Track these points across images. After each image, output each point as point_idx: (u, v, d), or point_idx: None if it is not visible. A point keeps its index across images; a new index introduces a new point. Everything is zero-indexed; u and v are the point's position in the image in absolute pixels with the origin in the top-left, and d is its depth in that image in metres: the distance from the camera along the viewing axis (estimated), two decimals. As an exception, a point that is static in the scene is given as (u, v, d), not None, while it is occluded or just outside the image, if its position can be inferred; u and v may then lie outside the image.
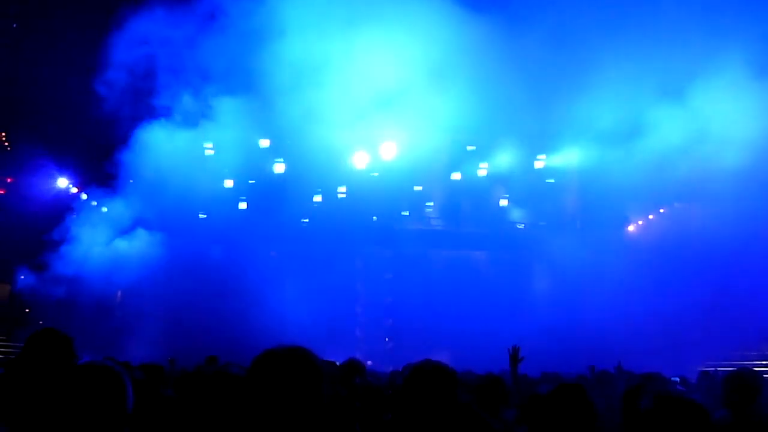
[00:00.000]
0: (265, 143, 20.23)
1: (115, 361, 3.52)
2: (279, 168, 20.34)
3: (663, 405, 2.61)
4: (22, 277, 20.62)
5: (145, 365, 6.32)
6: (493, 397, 4.92)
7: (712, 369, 9.11)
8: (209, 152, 20.14)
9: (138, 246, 18.64)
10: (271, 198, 19.69)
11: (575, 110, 17.90)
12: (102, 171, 19.79)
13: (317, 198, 20.20)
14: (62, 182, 20.05)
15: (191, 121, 19.26)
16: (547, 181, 20.95)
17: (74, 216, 19.35)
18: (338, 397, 4.63)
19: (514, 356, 6.18)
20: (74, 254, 18.39)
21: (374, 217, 19.95)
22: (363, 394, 5.15)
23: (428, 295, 18.27)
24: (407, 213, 20.94)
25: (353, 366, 5.65)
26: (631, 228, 21.20)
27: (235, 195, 20.28)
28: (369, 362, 14.51)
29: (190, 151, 19.63)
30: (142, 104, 18.82)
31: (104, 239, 18.92)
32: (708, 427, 2.55)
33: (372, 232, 19.70)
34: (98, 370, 2.24)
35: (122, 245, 18.76)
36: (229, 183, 20.23)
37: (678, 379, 7.70)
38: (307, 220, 20.15)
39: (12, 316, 19.38)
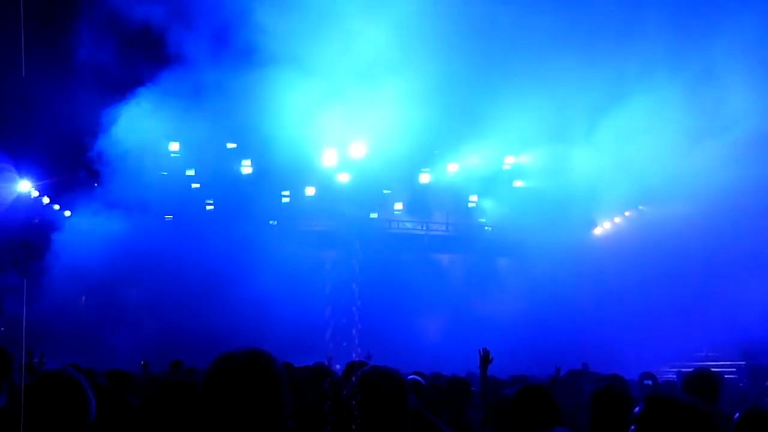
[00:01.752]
0: (231, 145, 20.09)
1: (78, 369, 3.45)
2: (246, 170, 20.21)
3: (660, 408, 2.61)
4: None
5: (111, 372, 6.23)
6: (460, 398, 4.96)
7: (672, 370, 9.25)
8: (175, 154, 19.95)
9: (104, 248, 18.32)
10: (239, 199, 19.57)
11: (541, 112, 18.09)
12: (66, 174, 19.49)
13: (285, 199, 20.13)
14: (24, 186, 19.61)
15: (157, 122, 19.01)
16: (515, 183, 21.13)
17: (36, 221, 18.99)
18: (306, 403, 4.60)
19: (485, 357, 6.22)
20: (38, 260, 18.05)
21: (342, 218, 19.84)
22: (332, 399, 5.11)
23: (396, 298, 18.27)
24: (375, 215, 20.92)
25: (320, 371, 5.62)
26: (597, 231, 21.47)
27: (201, 196, 20.12)
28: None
29: (156, 153, 19.45)
30: (107, 103, 18.57)
31: (69, 243, 18.57)
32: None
33: (340, 232, 19.61)
34: (55, 379, 2.19)
35: (87, 248, 18.41)
36: (195, 184, 20.06)
37: (650, 382, 7.81)
38: (275, 222, 20.03)
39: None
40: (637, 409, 2.67)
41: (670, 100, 17.10)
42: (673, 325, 16.53)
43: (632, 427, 2.63)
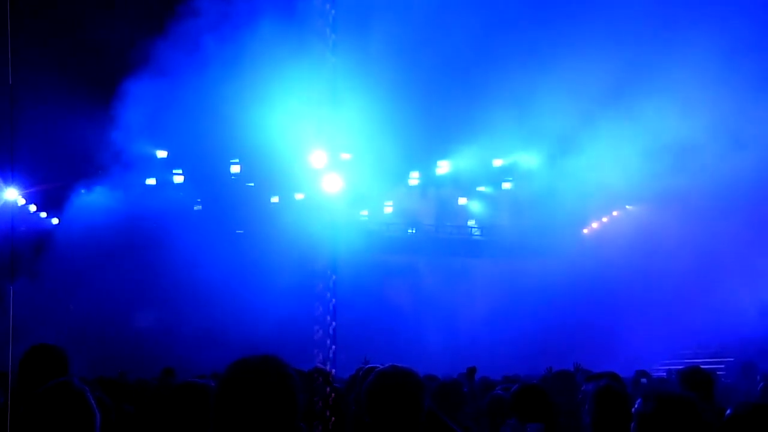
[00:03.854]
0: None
1: (84, 380, 3.43)
2: (235, 168, 20.17)
3: (665, 406, 2.63)
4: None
5: (102, 380, 6.19)
6: (453, 400, 5.02)
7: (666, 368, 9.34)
8: (162, 154, 19.92)
9: (91, 254, 18.19)
10: (227, 199, 19.53)
11: (530, 113, 18.17)
12: (54, 182, 19.37)
13: (274, 199, 20.07)
14: (11, 193, 19.44)
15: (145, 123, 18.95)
16: (503, 184, 21.21)
17: (23, 230, 18.85)
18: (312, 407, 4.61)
19: (471, 375, 6.37)
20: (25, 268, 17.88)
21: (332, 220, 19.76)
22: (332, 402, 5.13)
23: (385, 300, 18.28)
24: (366, 214, 20.88)
25: (316, 374, 5.60)
26: (585, 231, 21.59)
27: (190, 196, 20.07)
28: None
29: (143, 155, 19.41)
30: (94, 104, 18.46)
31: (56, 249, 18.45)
32: (703, 425, 2.60)
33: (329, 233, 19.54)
34: (60, 390, 2.17)
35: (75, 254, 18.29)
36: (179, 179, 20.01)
37: (645, 381, 7.87)
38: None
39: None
40: (636, 405, 2.69)
41: (657, 102, 17.21)
42: (663, 323, 16.66)
43: (633, 424, 2.65)
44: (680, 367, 5.33)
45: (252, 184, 20.07)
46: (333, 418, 4.68)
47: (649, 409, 2.63)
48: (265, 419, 2.01)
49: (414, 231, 21.43)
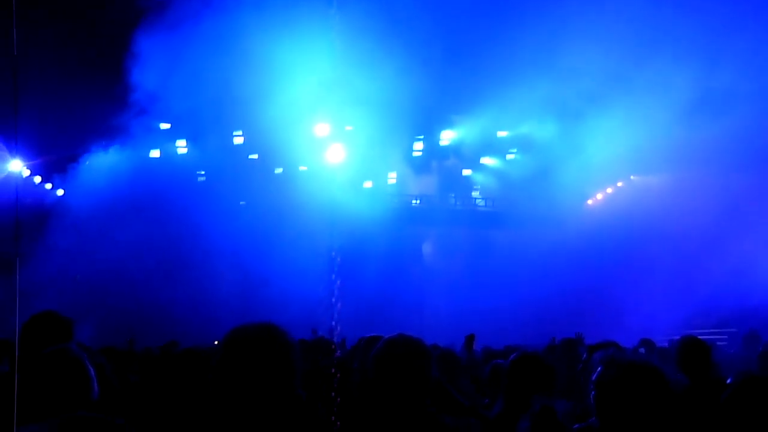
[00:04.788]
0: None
1: (82, 346, 3.45)
2: (238, 140, 20.12)
3: (620, 371, 2.63)
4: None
5: (107, 349, 6.24)
6: (448, 370, 5.10)
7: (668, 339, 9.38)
8: (165, 126, 19.90)
9: (96, 223, 18.26)
10: (231, 170, 19.52)
11: (536, 84, 18.01)
12: (60, 153, 19.37)
13: (278, 170, 20.06)
14: (15, 165, 19.45)
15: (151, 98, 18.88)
16: (508, 154, 21.12)
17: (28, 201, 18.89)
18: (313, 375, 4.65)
19: (469, 343, 6.42)
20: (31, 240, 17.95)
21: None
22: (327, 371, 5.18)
23: (390, 270, 18.32)
24: (370, 185, 20.83)
25: (319, 344, 5.67)
26: (590, 202, 21.54)
27: (194, 168, 20.07)
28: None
29: (147, 126, 19.38)
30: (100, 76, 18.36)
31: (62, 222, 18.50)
32: (668, 391, 2.59)
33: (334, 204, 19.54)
34: (57, 356, 2.20)
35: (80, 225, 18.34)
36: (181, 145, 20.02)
37: (643, 350, 7.90)
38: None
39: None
40: (596, 374, 2.69)
41: (664, 74, 17.03)
42: (668, 294, 16.69)
43: (592, 393, 2.65)
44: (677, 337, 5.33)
45: (256, 156, 20.00)
46: (336, 387, 4.72)
47: (608, 377, 2.63)
48: (262, 383, 2.03)
49: (418, 202, 21.37)
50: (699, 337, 5.16)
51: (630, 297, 16.96)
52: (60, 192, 20.03)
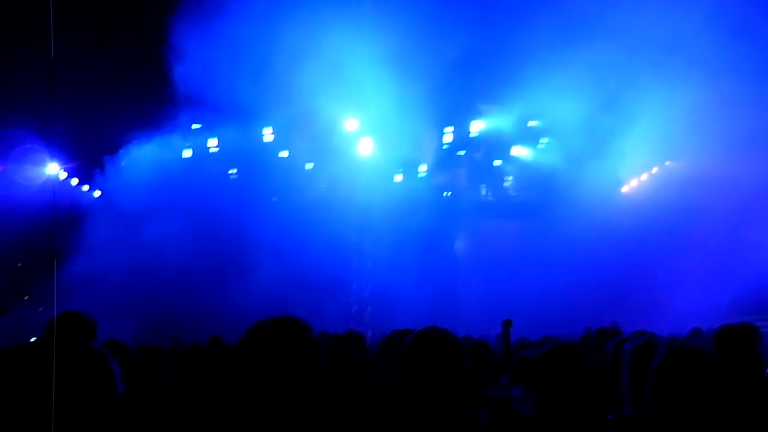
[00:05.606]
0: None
1: (116, 344, 3.50)
2: (268, 138, 20.26)
3: (675, 358, 2.59)
4: (19, 264, 20.59)
5: (143, 347, 6.35)
6: (482, 360, 5.06)
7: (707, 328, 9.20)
8: (196, 126, 20.17)
9: (135, 222, 18.55)
10: (262, 167, 19.69)
11: (568, 69, 17.79)
12: (95, 155, 19.75)
13: (308, 165, 20.16)
14: (53, 168, 19.87)
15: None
16: (540, 142, 20.90)
17: (69, 205, 19.29)
18: (337, 367, 4.66)
19: (506, 328, 6.33)
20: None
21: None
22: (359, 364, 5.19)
23: (422, 265, 18.28)
24: (401, 179, 20.78)
25: (351, 337, 5.68)
26: (624, 189, 21.21)
27: (223, 162, 20.27)
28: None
29: (179, 128, 19.66)
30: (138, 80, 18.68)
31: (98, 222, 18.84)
32: (722, 377, 2.54)
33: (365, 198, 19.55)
34: (81, 353, 2.24)
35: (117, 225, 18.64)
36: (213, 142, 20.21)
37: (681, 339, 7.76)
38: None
39: (8, 302, 19.25)
40: (654, 360, 2.65)
41: (699, 57, 16.67)
42: (707, 281, 16.39)
43: (650, 380, 2.61)
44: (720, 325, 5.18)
45: (286, 153, 20.10)
46: (367, 380, 4.73)
47: (661, 362, 2.59)
48: (281, 377, 2.03)
49: (449, 194, 21.25)
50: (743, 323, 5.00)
51: (668, 284, 16.69)
52: (97, 193, 20.42)
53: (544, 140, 21.01)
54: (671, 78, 17.17)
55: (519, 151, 21.25)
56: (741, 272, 15.99)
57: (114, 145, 19.76)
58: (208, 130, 20.22)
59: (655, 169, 20.73)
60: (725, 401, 2.50)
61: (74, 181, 20.45)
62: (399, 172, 20.70)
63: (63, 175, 20.14)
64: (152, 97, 19.13)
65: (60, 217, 18.60)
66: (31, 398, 2.71)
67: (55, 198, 19.12)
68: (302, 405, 2.04)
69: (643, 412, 2.67)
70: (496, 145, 20.95)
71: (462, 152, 20.83)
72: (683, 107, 16.97)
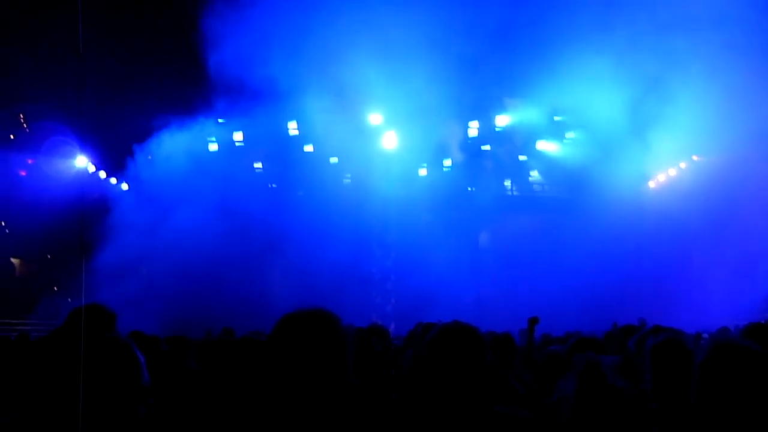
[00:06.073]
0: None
1: (140, 335, 3.56)
2: (293, 131, 20.36)
3: (725, 353, 2.56)
4: (48, 256, 20.96)
5: (171, 338, 6.42)
6: (506, 354, 5.07)
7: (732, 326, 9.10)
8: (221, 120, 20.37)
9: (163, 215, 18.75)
10: (286, 161, 19.81)
11: (593, 62, 17.63)
12: (123, 148, 19.98)
13: (333, 159, 20.23)
14: (81, 161, 20.15)
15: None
16: (566, 137, 20.74)
17: (97, 197, 19.54)
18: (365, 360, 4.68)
19: (531, 326, 6.32)
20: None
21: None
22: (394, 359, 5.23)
23: (445, 259, 18.25)
24: (425, 172, 20.73)
25: (374, 330, 5.70)
26: (651, 184, 20.96)
27: (248, 155, 20.37)
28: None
29: (205, 122, 19.84)
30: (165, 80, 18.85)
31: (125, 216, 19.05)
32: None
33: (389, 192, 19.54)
34: (107, 345, 2.28)
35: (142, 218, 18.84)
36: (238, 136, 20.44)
37: (707, 336, 7.67)
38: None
39: (36, 293, 19.57)
40: (698, 356, 2.62)
41: (727, 50, 16.39)
42: (734, 278, 16.16)
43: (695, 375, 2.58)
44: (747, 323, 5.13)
45: (311, 148, 20.17)
46: (392, 373, 4.75)
47: (709, 357, 2.56)
48: (313, 368, 2.05)
49: (474, 189, 21.13)
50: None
51: (694, 281, 16.47)
52: (125, 186, 20.66)
53: (570, 135, 20.83)
54: (699, 70, 16.93)
55: (544, 146, 21.09)
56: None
57: (143, 133, 19.93)
58: (234, 122, 20.33)
59: (682, 164, 20.45)
60: None
61: (102, 174, 20.71)
62: (423, 167, 20.68)
63: (92, 168, 20.39)
64: (182, 83, 19.31)
65: (88, 208, 18.87)
66: (56, 388, 2.77)
67: (84, 190, 19.38)
68: (334, 397, 2.06)
69: (676, 408, 2.63)
70: (521, 139, 20.81)
71: (487, 147, 20.68)
72: (714, 102, 16.73)
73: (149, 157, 20.11)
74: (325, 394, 2.07)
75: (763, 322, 4.93)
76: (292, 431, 2.05)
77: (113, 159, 20.39)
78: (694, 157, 20.12)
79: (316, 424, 2.06)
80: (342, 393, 2.08)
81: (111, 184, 20.79)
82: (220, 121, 20.36)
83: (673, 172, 20.63)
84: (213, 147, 20.75)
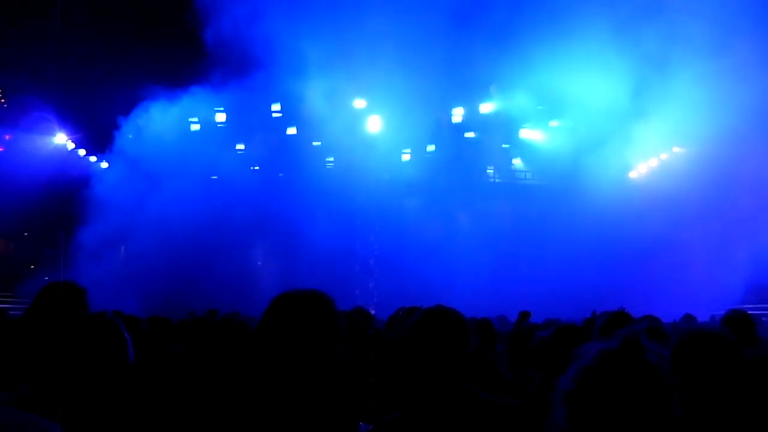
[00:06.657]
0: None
1: (120, 315, 3.52)
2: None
3: (694, 340, 2.59)
4: (26, 234, 20.71)
5: (153, 318, 6.36)
6: (485, 340, 5.13)
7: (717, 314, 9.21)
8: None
9: (141, 194, 18.58)
10: (269, 142, 19.72)
11: (578, 52, 17.67)
12: (103, 126, 19.72)
13: (316, 143, 20.16)
14: (60, 138, 19.88)
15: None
16: (550, 123, 20.80)
17: (76, 174, 19.30)
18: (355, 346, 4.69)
19: (520, 320, 6.40)
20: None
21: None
22: (376, 342, 5.23)
23: (426, 244, 18.29)
24: (408, 158, 20.71)
25: (360, 315, 5.71)
26: (632, 174, 21.09)
27: (230, 136, 20.30)
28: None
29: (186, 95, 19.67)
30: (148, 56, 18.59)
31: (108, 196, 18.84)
32: (738, 359, 2.54)
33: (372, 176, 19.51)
34: (94, 322, 2.26)
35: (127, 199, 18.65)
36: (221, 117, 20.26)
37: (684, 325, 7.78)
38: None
39: (15, 271, 19.37)
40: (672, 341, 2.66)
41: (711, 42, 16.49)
42: (712, 269, 16.36)
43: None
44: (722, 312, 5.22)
45: (294, 130, 20.07)
46: (373, 356, 4.76)
47: (680, 342, 2.59)
48: (308, 348, 2.04)
49: (456, 175, 21.11)
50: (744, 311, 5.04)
51: (674, 270, 16.65)
52: (104, 164, 20.42)
53: (554, 123, 20.89)
54: (685, 64, 17.04)
55: (528, 134, 21.14)
56: (748, 260, 15.96)
57: (125, 108, 19.69)
58: (215, 101, 20.13)
59: (663, 155, 20.60)
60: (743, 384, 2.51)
61: (82, 152, 20.45)
62: (406, 152, 20.65)
63: (71, 145, 20.12)
64: (159, 68, 19.08)
65: (68, 186, 18.68)
66: (39, 366, 2.74)
67: (64, 168, 19.14)
68: (328, 377, 2.05)
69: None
70: (504, 127, 20.82)
71: (470, 133, 20.70)
72: (695, 94, 16.85)
73: (130, 136, 19.89)
74: (322, 374, 2.06)
75: (742, 309, 5.00)
76: (286, 411, 2.04)
77: (94, 136, 20.14)
78: (675, 149, 20.28)
79: (312, 403, 2.05)
80: (337, 373, 2.07)
81: (91, 162, 20.55)
82: (201, 99, 20.14)
83: (654, 162, 20.78)
84: (195, 127, 20.56)
